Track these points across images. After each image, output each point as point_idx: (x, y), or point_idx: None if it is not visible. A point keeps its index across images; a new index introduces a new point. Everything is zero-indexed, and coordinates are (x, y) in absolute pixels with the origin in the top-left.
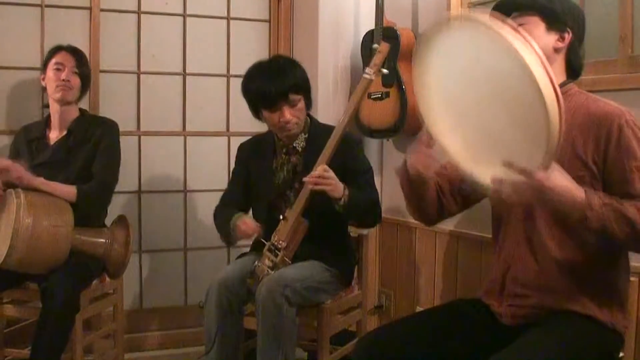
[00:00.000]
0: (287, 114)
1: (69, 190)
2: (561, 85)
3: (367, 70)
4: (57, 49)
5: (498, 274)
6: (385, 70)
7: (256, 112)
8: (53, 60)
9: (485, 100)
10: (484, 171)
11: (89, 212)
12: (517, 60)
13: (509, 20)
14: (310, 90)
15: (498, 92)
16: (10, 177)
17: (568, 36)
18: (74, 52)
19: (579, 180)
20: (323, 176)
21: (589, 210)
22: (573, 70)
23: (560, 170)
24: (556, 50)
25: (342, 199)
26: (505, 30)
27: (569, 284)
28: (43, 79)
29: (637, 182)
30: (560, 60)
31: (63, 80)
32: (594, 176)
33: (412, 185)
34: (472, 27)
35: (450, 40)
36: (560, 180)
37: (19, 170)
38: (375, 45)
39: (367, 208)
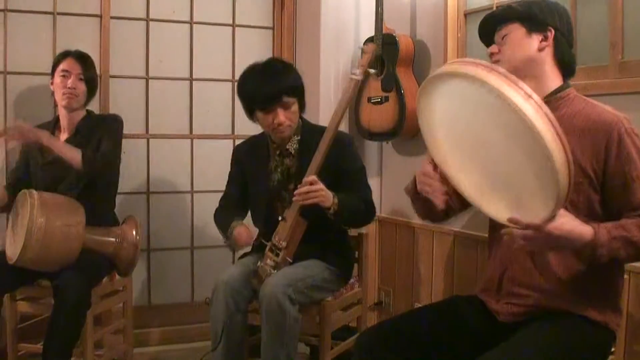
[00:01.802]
0: (281, 115)
1: (75, 154)
2: (559, 90)
3: (354, 70)
4: (64, 55)
5: (495, 274)
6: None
7: (250, 114)
8: (60, 67)
9: (496, 142)
10: (492, 205)
11: (92, 175)
12: (521, 119)
13: (509, 75)
14: (304, 94)
15: (509, 136)
16: (24, 136)
17: (551, 34)
18: (81, 58)
19: (577, 187)
20: (311, 190)
21: (600, 248)
22: (566, 67)
23: (566, 214)
24: (540, 49)
25: (332, 208)
26: (505, 88)
27: (566, 285)
28: (52, 84)
29: (638, 192)
30: (549, 60)
31: (69, 88)
32: (592, 184)
33: (419, 198)
34: (467, 82)
35: (450, 91)
36: (567, 225)
37: (28, 129)
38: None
39: (358, 212)
